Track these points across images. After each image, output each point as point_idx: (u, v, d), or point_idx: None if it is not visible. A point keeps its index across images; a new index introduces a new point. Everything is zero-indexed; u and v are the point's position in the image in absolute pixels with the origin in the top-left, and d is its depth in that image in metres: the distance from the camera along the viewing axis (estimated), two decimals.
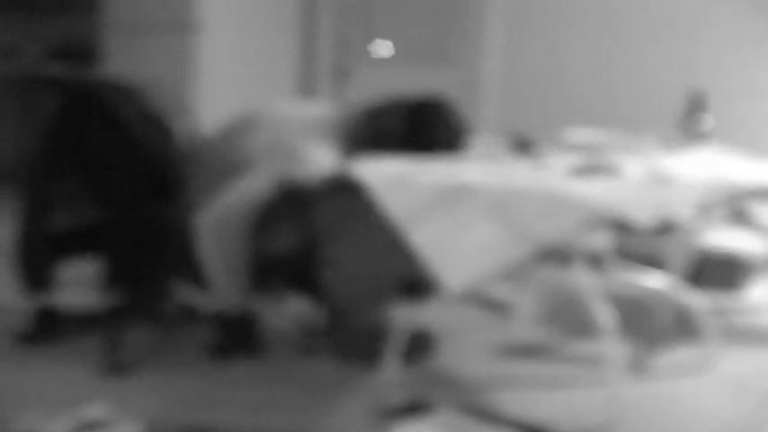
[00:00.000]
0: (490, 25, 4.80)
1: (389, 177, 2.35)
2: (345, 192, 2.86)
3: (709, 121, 3.21)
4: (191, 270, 2.80)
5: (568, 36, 4.59)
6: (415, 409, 2.43)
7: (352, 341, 2.69)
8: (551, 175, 2.44)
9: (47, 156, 2.76)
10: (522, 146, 2.84)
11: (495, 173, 2.45)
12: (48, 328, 2.90)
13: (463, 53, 5.02)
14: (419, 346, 2.76)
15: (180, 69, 4.99)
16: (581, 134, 3.16)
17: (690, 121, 3.21)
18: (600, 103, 4.45)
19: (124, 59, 5.33)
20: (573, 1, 4.56)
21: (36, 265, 2.80)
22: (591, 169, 2.44)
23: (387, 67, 5.39)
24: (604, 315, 2.50)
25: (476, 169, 2.48)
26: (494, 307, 3.41)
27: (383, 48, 5.41)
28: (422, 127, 2.74)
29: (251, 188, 2.57)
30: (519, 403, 2.54)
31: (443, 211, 2.22)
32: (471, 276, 2.13)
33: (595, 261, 2.81)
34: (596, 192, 2.23)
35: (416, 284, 3.15)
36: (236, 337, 2.69)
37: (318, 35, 5.47)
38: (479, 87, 4.88)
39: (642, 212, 2.14)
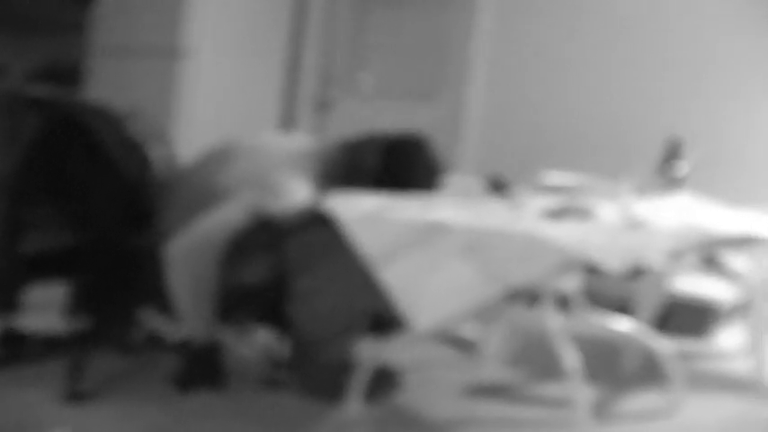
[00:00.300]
0: (473, 64, 4.84)
1: (362, 213, 2.36)
2: (317, 225, 2.87)
3: (684, 167, 3.24)
4: (160, 298, 2.80)
5: (551, 80, 4.63)
6: None
7: (316, 376, 2.68)
8: (525, 216, 2.45)
9: (23, 177, 2.74)
10: (497, 187, 2.86)
11: (468, 213, 2.46)
12: (12, 352, 2.88)
13: (445, 90, 5.05)
14: (384, 383, 2.75)
15: (163, 95, 5.00)
16: (557, 177, 3.18)
17: (665, 168, 3.24)
18: (578, 147, 4.49)
19: (108, 82, 5.35)
20: (556, 45, 4.61)
21: (4, 288, 2.77)
22: (564, 212, 2.45)
23: (369, 101, 5.42)
24: (571, 357, 2.51)
25: (450, 208, 2.49)
26: (460, 346, 3.41)
27: (366, 82, 5.44)
28: (398, 164, 2.75)
29: (223, 218, 2.57)
30: None
31: (415, 249, 2.22)
32: (439, 316, 2.13)
33: (563, 303, 2.82)
34: (568, 235, 2.23)
35: (384, 320, 3.15)
36: (201, 369, 2.67)
37: (302, 67, 5.50)
38: (460, 126, 4.90)
39: (613, 257, 2.15)
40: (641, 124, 4.34)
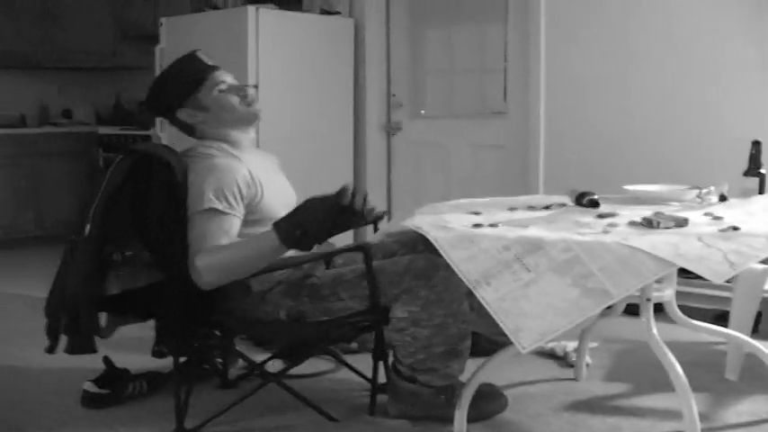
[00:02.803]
0: (537, 78, 4.80)
1: (456, 235, 2.35)
2: (410, 249, 2.88)
3: (763, 170, 3.22)
4: (248, 328, 2.83)
5: (618, 90, 4.57)
6: None
7: (417, 400, 2.67)
8: (617, 227, 2.43)
9: (109, 218, 2.73)
10: (585, 200, 2.84)
11: (561, 226, 2.45)
12: (116, 391, 2.92)
13: (512, 106, 5.02)
14: (488, 402, 2.74)
15: None
16: (640, 188, 3.15)
17: (751, 172, 3.21)
18: (649, 157, 4.41)
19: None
20: (619, 54, 4.55)
21: (92, 330, 2.72)
22: (659, 221, 2.42)
23: (436, 121, 5.43)
24: (676, 367, 2.47)
25: (541, 223, 2.49)
26: (560, 359, 3.38)
27: (430, 102, 5.46)
28: None
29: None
30: None
31: (512, 268, 2.21)
32: (543, 333, 2.11)
33: (660, 310, 2.77)
34: (666, 243, 2.21)
35: (484, 340, 3.14)
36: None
37: (365, 93, 5.54)
38: (531, 141, 4.84)
39: (716, 266, 2.12)
40: (711, 131, 4.26)
